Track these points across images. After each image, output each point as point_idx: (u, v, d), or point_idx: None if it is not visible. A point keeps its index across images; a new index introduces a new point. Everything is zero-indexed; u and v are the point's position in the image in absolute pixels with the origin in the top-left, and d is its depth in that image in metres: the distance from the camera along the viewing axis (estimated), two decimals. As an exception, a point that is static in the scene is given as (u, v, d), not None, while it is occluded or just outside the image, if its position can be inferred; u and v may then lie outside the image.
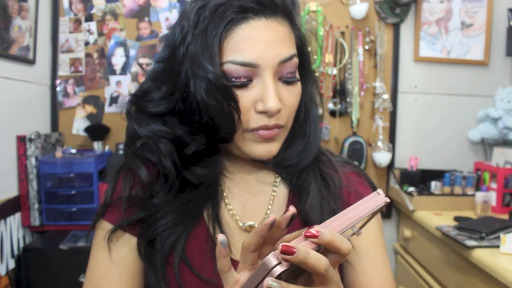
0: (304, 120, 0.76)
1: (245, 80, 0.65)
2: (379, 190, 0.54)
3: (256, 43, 0.64)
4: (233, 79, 0.64)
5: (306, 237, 0.48)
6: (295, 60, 0.68)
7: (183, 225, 0.70)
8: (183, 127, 0.69)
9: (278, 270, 0.46)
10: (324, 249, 0.49)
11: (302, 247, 0.46)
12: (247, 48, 0.63)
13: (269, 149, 0.68)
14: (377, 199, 0.53)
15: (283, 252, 0.46)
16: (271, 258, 0.47)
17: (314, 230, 0.48)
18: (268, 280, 0.46)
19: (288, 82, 0.67)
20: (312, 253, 0.47)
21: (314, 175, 0.76)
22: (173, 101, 0.68)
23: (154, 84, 0.71)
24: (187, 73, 0.65)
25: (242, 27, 0.64)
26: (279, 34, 0.65)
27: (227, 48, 0.64)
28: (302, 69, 0.74)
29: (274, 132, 0.67)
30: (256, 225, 0.72)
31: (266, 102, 0.64)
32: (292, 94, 0.68)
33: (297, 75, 0.69)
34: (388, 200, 0.53)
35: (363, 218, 0.52)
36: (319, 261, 0.47)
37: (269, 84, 0.64)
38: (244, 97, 0.65)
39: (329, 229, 0.49)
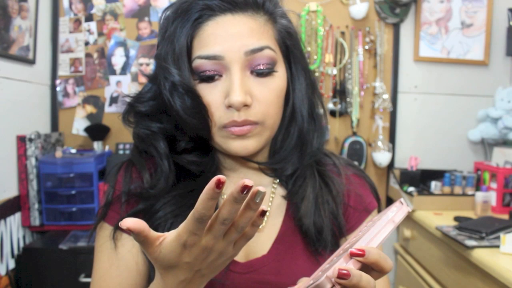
0: (290, 120, 0.74)
1: (213, 73, 0.65)
2: (402, 200, 0.54)
3: (220, 36, 0.64)
4: (201, 73, 0.65)
5: (352, 255, 0.47)
6: (268, 52, 0.66)
7: (182, 218, 0.70)
8: (171, 125, 0.71)
9: None
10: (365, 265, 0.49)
11: (356, 271, 0.46)
12: (213, 42, 0.64)
13: (244, 146, 0.67)
14: (402, 209, 0.53)
15: (339, 276, 0.45)
16: (326, 282, 0.46)
17: (357, 249, 0.47)
18: None
19: (260, 73, 0.66)
20: (364, 276, 0.47)
21: (312, 180, 0.74)
22: (160, 101, 0.70)
23: (150, 86, 0.73)
24: (159, 75, 0.67)
25: (208, 24, 0.65)
26: (246, 26, 0.65)
27: (196, 45, 0.65)
28: (290, 65, 0.73)
29: (246, 129, 0.66)
30: None
31: (231, 96, 0.63)
32: (267, 88, 0.66)
33: (276, 68, 0.68)
34: (410, 209, 0.54)
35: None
36: (369, 283, 0.47)
37: (235, 77, 0.64)
38: (213, 92, 0.65)
39: (371, 247, 0.49)
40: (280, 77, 0.68)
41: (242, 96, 0.63)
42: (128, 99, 0.73)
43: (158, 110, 0.71)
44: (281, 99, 0.69)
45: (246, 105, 0.64)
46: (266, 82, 0.66)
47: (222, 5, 0.65)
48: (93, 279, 0.73)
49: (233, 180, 0.76)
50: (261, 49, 0.65)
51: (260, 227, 0.72)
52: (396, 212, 0.52)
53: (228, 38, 0.64)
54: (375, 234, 0.50)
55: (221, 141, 0.68)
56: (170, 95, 0.65)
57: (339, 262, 0.48)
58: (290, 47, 0.72)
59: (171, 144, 0.72)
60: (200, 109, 0.64)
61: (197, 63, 0.65)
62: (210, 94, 0.65)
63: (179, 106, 0.65)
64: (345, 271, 0.45)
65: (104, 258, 0.71)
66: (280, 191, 0.76)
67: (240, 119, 0.64)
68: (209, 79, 0.65)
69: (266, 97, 0.66)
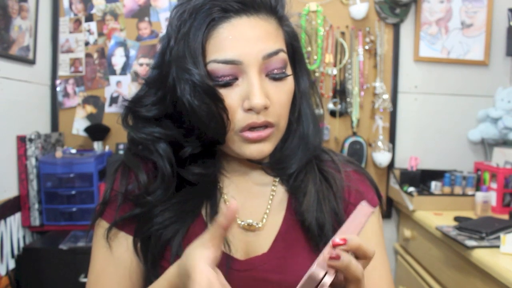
0: (296, 119, 0.75)
1: (230, 78, 0.64)
2: (363, 202, 0.57)
3: (237, 40, 0.63)
4: (218, 78, 0.64)
5: (335, 246, 0.49)
6: (282, 55, 0.67)
7: (180, 224, 0.70)
8: (178, 130, 0.70)
9: (328, 280, 0.48)
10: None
11: (345, 253, 0.48)
12: (229, 46, 0.63)
13: (261, 149, 0.68)
14: (365, 210, 0.56)
15: (331, 258, 0.47)
16: (318, 270, 0.48)
17: (340, 239, 0.49)
18: None
19: (276, 78, 0.67)
20: (353, 259, 0.48)
21: (312, 175, 0.75)
22: (165, 105, 0.69)
23: (148, 90, 0.72)
24: (174, 77, 0.65)
25: (223, 26, 0.64)
26: (263, 30, 0.65)
27: (210, 48, 0.64)
28: (294, 66, 0.73)
29: (265, 133, 0.66)
30: (254, 223, 0.73)
31: (252, 99, 0.63)
32: (281, 91, 0.67)
33: (288, 71, 0.69)
34: (373, 209, 0.58)
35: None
36: (358, 267, 0.49)
37: (254, 81, 0.64)
38: (230, 96, 0.65)
39: (350, 235, 0.51)
40: (291, 80, 0.69)
41: (263, 99, 0.63)
42: (126, 103, 0.73)
43: (162, 115, 0.70)
44: (291, 100, 0.71)
45: (265, 108, 0.65)
46: (280, 86, 0.67)
47: (236, 6, 0.64)
48: (90, 275, 0.73)
49: (235, 181, 0.76)
50: (276, 52, 0.66)
51: (260, 225, 0.73)
52: (360, 212, 0.55)
53: (245, 42, 0.63)
54: (345, 233, 0.53)
55: (235, 145, 0.68)
56: (190, 97, 0.63)
57: (325, 250, 0.50)
58: (296, 48, 0.73)
59: (173, 151, 0.71)
60: (221, 112, 0.64)
61: (212, 67, 0.64)
62: (227, 97, 0.65)
63: (200, 109, 0.63)
64: (335, 254, 0.48)
65: (102, 255, 0.72)
66: (281, 189, 0.76)
67: (259, 120, 0.65)
68: (227, 85, 0.65)
69: (280, 99, 0.67)
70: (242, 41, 0.63)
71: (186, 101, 0.64)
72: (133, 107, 0.72)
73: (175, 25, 0.66)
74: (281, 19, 0.70)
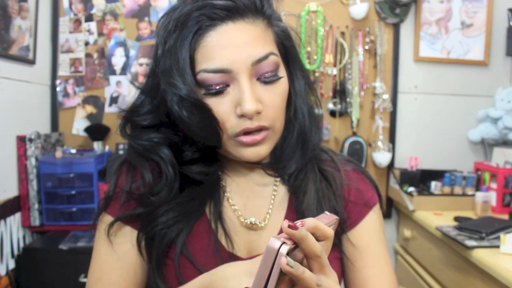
0: (293, 118, 0.75)
1: (221, 86, 0.64)
2: (326, 212, 0.59)
3: (225, 48, 0.63)
4: (209, 87, 0.64)
5: (290, 228, 0.49)
6: (273, 58, 0.66)
7: (184, 223, 0.71)
8: (175, 137, 0.71)
9: (285, 248, 0.47)
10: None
11: (303, 228, 0.49)
12: (218, 55, 0.63)
13: (257, 152, 0.68)
14: (327, 218, 0.57)
15: (289, 227, 0.48)
16: (274, 241, 0.48)
17: (299, 222, 0.50)
18: (283, 258, 0.46)
19: (267, 81, 0.66)
20: (310, 235, 0.48)
21: (313, 174, 0.76)
22: (160, 114, 0.69)
23: (144, 99, 0.72)
24: (163, 89, 0.66)
25: (210, 34, 0.64)
26: (250, 34, 0.65)
27: (199, 58, 0.64)
28: (288, 65, 0.73)
29: (260, 137, 0.66)
30: (257, 222, 0.73)
31: (243, 105, 0.63)
32: (274, 94, 0.67)
33: (280, 73, 0.68)
34: (338, 217, 0.59)
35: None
36: (316, 243, 0.49)
37: (244, 87, 0.63)
38: (222, 103, 0.65)
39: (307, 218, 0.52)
40: (284, 81, 0.69)
41: (254, 105, 0.63)
42: (123, 113, 0.73)
43: (158, 123, 0.71)
44: (285, 101, 0.70)
45: (258, 113, 0.65)
46: (272, 88, 0.67)
47: (221, 13, 0.63)
48: (91, 270, 0.72)
49: (237, 181, 0.76)
50: (266, 56, 0.65)
51: (263, 224, 0.73)
52: (321, 219, 0.55)
53: (233, 49, 0.63)
54: None
55: (232, 149, 0.68)
56: (179, 109, 0.64)
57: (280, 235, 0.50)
58: (288, 48, 0.73)
59: (175, 154, 0.72)
60: (211, 121, 0.64)
61: (202, 76, 0.64)
62: (220, 105, 0.65)
63: (190, 120, 0.64)
64: (293, 224, 0.48)
65: (106, 250, 0.72)
66: (282, 188, 0.77)
67: (253, 125, 0.65)
68: (219, 93, 0.65)
69: (274, 102, 0.67)
70: (230, 48, 0.63)
71: (176, 112, 0.64)
72: (130, 117, 0.72)
73: (161, 36, 0.66)
74: (270, 19, 0.69)
